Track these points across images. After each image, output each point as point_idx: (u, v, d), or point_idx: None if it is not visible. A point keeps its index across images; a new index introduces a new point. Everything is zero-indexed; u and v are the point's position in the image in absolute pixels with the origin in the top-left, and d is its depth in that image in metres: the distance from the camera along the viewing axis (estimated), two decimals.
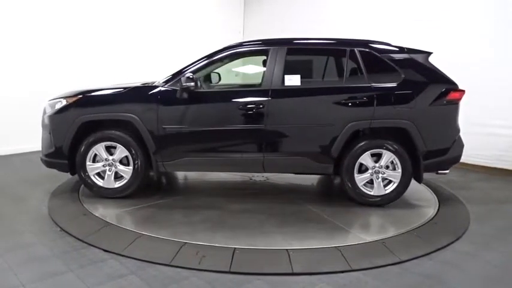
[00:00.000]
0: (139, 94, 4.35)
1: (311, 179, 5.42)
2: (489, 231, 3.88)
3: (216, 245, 3.31)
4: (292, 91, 4.25)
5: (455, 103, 4.26)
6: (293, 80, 4.25)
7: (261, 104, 4.18)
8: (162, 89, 4.28)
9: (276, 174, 5.35)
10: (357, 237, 3.54)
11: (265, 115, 4.18)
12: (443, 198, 4.69)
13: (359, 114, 4.18)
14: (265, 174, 5.37)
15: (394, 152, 4.20)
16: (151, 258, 3.09)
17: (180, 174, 5.60)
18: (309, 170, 4.42)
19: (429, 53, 4.37)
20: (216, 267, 3.00)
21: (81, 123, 4.26)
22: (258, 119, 4.20)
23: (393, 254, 3.24)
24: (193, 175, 5.53)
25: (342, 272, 3.00)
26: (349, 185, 4.29)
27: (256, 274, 2.93)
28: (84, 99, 4.36)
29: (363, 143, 4.24)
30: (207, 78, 4.90)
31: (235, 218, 3.93)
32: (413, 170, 4.26)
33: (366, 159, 4.25)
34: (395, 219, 4.00)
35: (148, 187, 4.88)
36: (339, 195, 4.60)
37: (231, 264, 3.03)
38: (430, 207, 4.37)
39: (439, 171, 4.42)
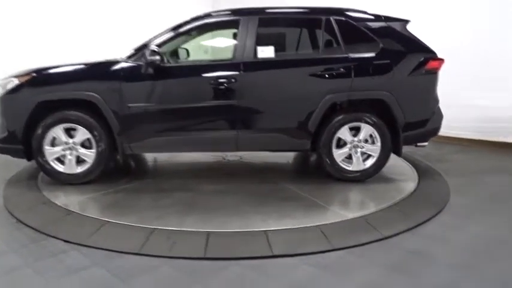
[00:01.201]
0: (100, 71, 4.01)
1: (287, 157, 5.22)
2: (470, 202, 3.79)
3: (188, 229, 3.07)
4: (266, 64, 3.99)
5: (434, 72, 4.11)
6: (266, 52, 4.00)
7: (233, 78, 3.91)
8: (126, 64, 3.95)
9: (250, 153, 5.12)
10: (338, 214, 3.37)
11: (237, 90, 3.92)
12: (422, 172, 4.59)
13: (336, 87, 3.98)
14: (239, 154, 5.14)
15: (373, 125, 4.04)
16: (118, 248, 2.83)
17: (150, 156, 5.30)
18: (285, 147, 4.21)
19: (407, 21, 4.18)
20: (189, 253, 2.77)
21: (35, 103, 3.88)
22: (229, 94, 3.93)
23: (376, 230, 3.09)
24: (163, 157, 5.24)
25: (324, 251, 2.83)
26: (328, 160, 4.11)
27: (233, 259, 2.72)
28: (39, 78, 3.98)
29: (340, 117, 4.05)
30: (175, 55, 4.59)
31: (208, 200, 3.69)
32: (392, 143, 4.11)
33: (344, 133, 4.06)
34: (376, 195, 3.85)
35: (114, 171, 4.57)
36: (316, 172, 4.42)
37: (205, 249, 2.80)
38: (409, 181, 4.25)
39: (418, 144, 4.29)
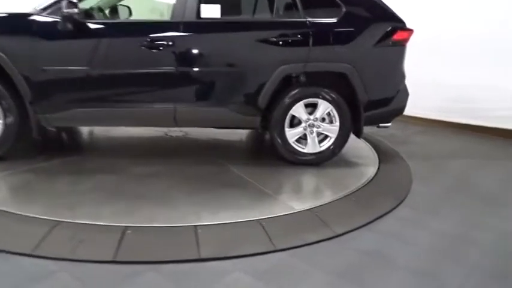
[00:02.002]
0: (7, 25, 3.29)
1: (239, 134, 4.70)
2: (433, 191, 3.42)
3: (102, 223, 2.52)
4: (210, 26, 3.40)
5: (402, 44, 3.63)
6: (211, 11, 3.39)
7: (170, 40, 3.30)
8: (39, 18, 3.25)
9: (198, 129, 4.55)
10: (285, 205, 2.90)
11: (174, 55, 3.32)
12: (384, 155, 4.18)
13: (291, 56, 3.44)
14: (184, 129, 4.56)
15: (332, 102, 3.55)
16: (8, 247, 2.25)
17: (85, 129, 4.64)
18: (230, 124, 3.68)
19: None
20: (96, 255, 2.23)
21: None
22: (166, 60, 3.33)
23: (327, 226, 2.65)
24: (100, 130, 4.59)
25: (264, 253, 2.36)
26: (279, 141, 3.61)
27: (150, 263, 2.21)
28: None
29: (295, 91, 3.53)
30: (114, 12, 3.93)
31: (136, 185, 3.13)
32: (352, 123, 3.65)
33: (298, 110, 3.56)
34: (331, 181, 3.42)
35: (33, 146, 3.91)
36: (270, 153, 3.93)
37: (117, 250, 2.27)
38: (369, 165, 3.83)
39: (381, 125, 3.85)
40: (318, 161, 3.68)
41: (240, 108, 3.50)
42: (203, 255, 2.27)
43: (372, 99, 3.62)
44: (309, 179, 3.50)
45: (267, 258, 2.32)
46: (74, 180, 3.17)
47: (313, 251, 2.43)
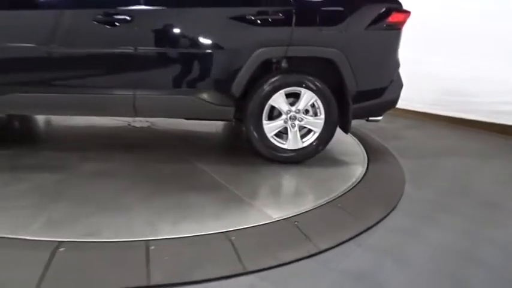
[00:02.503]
0: None
1: (214, 125, 4.22)
2: (428, 195, 3.02)
3: (29, 237, 2.03)
4: None
5: (397, 28, 3.18)
6: None
7: (128, 15, 2.78)
8: None
9: (165, 119, 4.05)
10: (260, 213, 2.45)
11: (133, 33, 2.81)
12: (373, 152, 3.76)
13: (271, 37, 2.97)
14: (151, 119, 4.06)
15: (316, 92, 3.10)
16: None
17: (40, 117, 4.10)
18: (199, 114, 3.20)
19: None
20: (13, 284, 1.74)
21: None
22: (123, 38, 2.83)
23: (308, 240, 2.22)
24: (58, 118, 4.06)
25: (230, 277, 1.91)
26: (256, 135, 3.15)
27: None
28: None
29: (275, 79, 3.06)
30: None
31: (82, 187, 2.64)
32: (339, 117, 3.21)
33: (278, 100, 3.10)
34: (314, 183, 2.98)
35: None
36: (247, 149, 3.47)
37: (43, 273, 1.79)
38: (357, 164, 3.40)
39: (371, 118, 3.42)
40: (300, 158, 3.24)
41: (210, 97, 3.02)
42: (153, 282, 1.81)
43: (361, 90, 3.18)
44: (289, 180, 3.06)
45: (233, 284, 1.88)
46: (8, 180, 2.66)
47: (290, 272, 2.00)
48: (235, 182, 2.85)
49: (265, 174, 3.08)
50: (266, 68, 3.17)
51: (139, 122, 4.02)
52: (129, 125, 3.96)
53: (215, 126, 4.24)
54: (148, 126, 3.97)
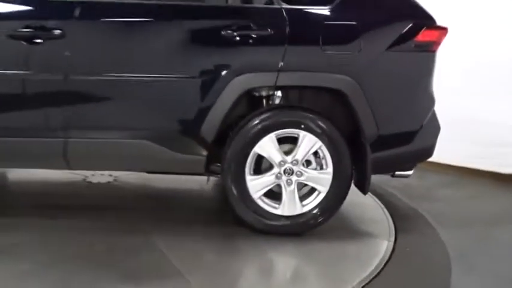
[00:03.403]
0: None
1: (201, 180, 3.31)
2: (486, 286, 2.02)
3: None
4: (121, 7, 2.14)
5: (430, 50, 2.35)
6: None
7: (57, 28, 2.03)
8: None
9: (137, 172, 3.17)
10: None
11: (65, 53, 2.04)
12: (402, 219, 2.79)
13: (255, 60, 2.17)
14: (115, 173, 3.20)
15: (321, 136, 2.23)
16: None
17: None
18: (157, 166, 2.34)
19: None
20: None
21: None
22: (50, 61, 2.05)
23: None
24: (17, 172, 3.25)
25: None
26: (236, 195, 2.25)
27: None
28: None
29: (262, 117, 2.22)
30: None
31: None
32: (354, 170, 2.31)
33: (267, 147, 2.23)
34: (319, 269, 2.07)
35: None
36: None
37: None
38: (381, 236, 2.44)
39: (398, 173, 2.51)
40: (298, 229, 2.31)
41: (170, 142, 2.18)
42: None
43: (384, 134, 2.31)
44: (280, 264, 2.13)
45: None
46: None
47: None
48: (196, 266, 1.93)
49: (245, 253, 2.14)
50: (253, 105, 2.35)
51: (101, 176, 3.17)
52: (84, 180, 3.11)
53: (200, 182, 3.34)
54: (109, 182, 3.10)
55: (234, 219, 2.33)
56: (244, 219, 2.29)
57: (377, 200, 3.11)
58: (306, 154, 2.25)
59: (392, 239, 2.41)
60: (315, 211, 2.29)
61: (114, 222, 2.39)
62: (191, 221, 2.51)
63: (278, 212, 2.28)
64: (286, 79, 2.18)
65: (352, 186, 2.38)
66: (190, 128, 2.16)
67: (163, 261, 1.96)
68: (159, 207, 2.74)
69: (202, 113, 2.15)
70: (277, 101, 2.40)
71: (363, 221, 2.67)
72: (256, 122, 2.20)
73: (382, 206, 2.99)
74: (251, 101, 2.39)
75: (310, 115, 2.23)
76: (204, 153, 2.20)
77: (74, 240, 2.12)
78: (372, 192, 3.10)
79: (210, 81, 2.13)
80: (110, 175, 3.18)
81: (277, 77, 2.15)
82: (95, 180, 3.10)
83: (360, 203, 2.87)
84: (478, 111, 3.98)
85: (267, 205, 2.28)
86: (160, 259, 1.98)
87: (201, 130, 2.16)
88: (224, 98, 2.13)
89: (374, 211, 2.87)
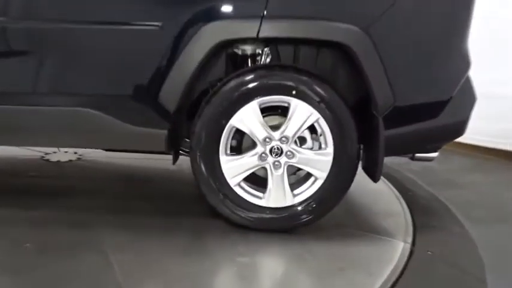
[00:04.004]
0: None
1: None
2: None
3: None
4: None
5: None
6: None
7: None
8: None
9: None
10: None
11: None
12: (422, 211, 2.27)
13: (229, 2, 1.62)
14: (81, 150, 2.74)
15: (319, 106, 1.69)
16: None
17: None
18: (103, 141, 1.83)
19: None
20: None
21: None
22: None
23: None
24: None
25: None
26: (207, 179, 1.75)
27: None
28: None
29: (242, 79, 1.69)
30: None
31: None
32: (361, 151, 1.79)
33: (248, 120, 1.71)
34: (314, 282, 1.54)
35: None
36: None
37: None
38: (396, 234, 1.91)
39: (418, 155, 1.96)
40: (286, 225, 1.81)
41: (120, 110, 1.68)
42: None
43: (402, 104, 1.76)
44: (262, 274, 1.62)
45: None
46: None
47: None
48: (145, 275, 1.43)
49: (215, 258, 1.64)
50: (236, 67, 1.83)
51: (62, 153, 2.70)
52: (42, 158, 2.64)
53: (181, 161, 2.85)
54: (71, 161, 2.63)
55: (210, 208, 1.83)
56: (218, 211, 1.79)
57: (391, 186, 2.58)
58: (299, 129, 1.72)
59: (410, 239, 1.88)
60: (309, 203, 1.78)
61: (59, 211, 1.92)
62: (157, 211, 2.02)
63: (262, 202, 1.78)
64: (273, 29, 1.63)
65: (360, 170, 1.86)
66: (145, 92, 1.66)
67: (101, 267, 1.48)
68: (121, 193, 2.26)
69: (161, 73, 1.64)
70: (265, 58, 1.89)
71: (372, 215, 2.15)
72: (232, 85, 1.68)
73: (398, 194, 2.46)
74: (234, 62, 1.88)
75: (305, 78, 1.70)
76: (166, 126, 1.69)
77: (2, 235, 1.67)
78: (384, 177, 2.58)
79: (169, 31, 1.61)
80: (75, 152, 2.72)
81: (259, 26, 1.61)
82: (54, 158, 2.63)
83: (369, 191, 2.36)
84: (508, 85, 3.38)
85: (247, 194, 1.79)
86: (99, 264, 1.50)
87: (160, 96, 1.65)
88: (189, 53, 1.61)
89: (387, 202, 2.33)
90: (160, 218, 1.93)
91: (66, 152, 2.71)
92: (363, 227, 1.97)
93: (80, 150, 2.71)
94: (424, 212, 2.27)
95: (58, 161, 2.60)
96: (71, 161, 2.62)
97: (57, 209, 1.92)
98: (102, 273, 1.45)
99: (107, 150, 2.11)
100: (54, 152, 2.69)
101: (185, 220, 1.90)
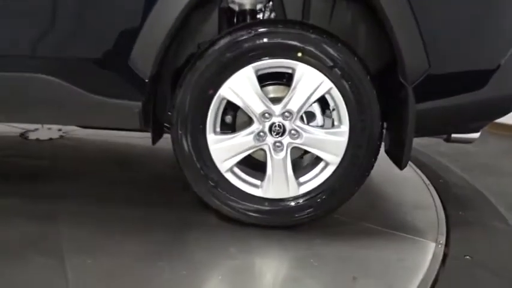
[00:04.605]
0: None
1: None
2: None
3: None
4: None
5: None
6: None
7: None
8: None
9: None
10: None
11: None
12: (457, 203, 1.90)
13: None
14: (66, 128, 2.45)
15: (331, 72, 1.33)
16: None
17: None
18: (64, 116, 1.51)
19: None
20: None
21: None
22: None
23: None
24: None
25: None
26: (194, 162, 1.42)
27: None
28: None
29: (233, 38, 1.33)
30: None
31: None
32: (384, 130, 1.44)
33: (241, 89, 1.36)
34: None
35: None
36: None
37: None
38: (425, 236, 1.55)
39: (455, 136, 1.59)
40: (287, 220, 1.47)
41: (83, 78, 1.35)
42: None
43: (438, 72, 1.38)
44: (258, 281, 1.29)
45: None
46: None
47: None
48: (102, 283, 1.13)
49: (200, 262, 1.32)
50: (230, 24, 1.49)
51: (47, 130, 2.42)
52: (21, 135, 2.36)
53: None
54: (51, 139, 2.34)
55: (197, 199, 1.51)
56: (206, 202, 1.47)
57: (419, 172, 2.21)
58: (306, 102, 1.37)
59: (443, 239, 1.52)
60: (318, 193, 1.44)
61: (21, 200, 1.63)
62: (135, 200, 1.70)
63: (259, 192, 1.45)
64: None
65: (381, 153, 1.50)
66: (112, 54, 1.32)
67: (52, 275, 1.19)
68: (98, 178, 1.95)
69: (130, 30, 1.30)
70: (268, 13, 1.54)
71: (395, 208, 1.79)
72: (222, 45, 1.33)
73: (427, 182, 2.09)
74: (229, 21, 1.54)
75: (315, 36, 1.33)
76: (139, 97, 1.36)
77: None
78: (414, 163, 2.21)
79: None
80: (59, 129, 2.43)
81: None
82: (33, 136, 2.35)
83: (391, 177, 2.00)
84: None
85: (241, 182, 1.45)
86: (50, 272, 1.21)
87: (131, 59, 1.31)
88: (163, 5, 1.27)
89: (413, 191, 1.97)
90: (137, 210, 1.62)
91: (49, 128, 2.43)
92: (383, 222, 1.61)
93: (65, 127, 2.42)
94: (458, 204, 1.90)
95: (37, 139, 2.32)
96: (51, 139, 2.33)
97: (20, 196, 1.64)
98: (51, 284, 1.16)
99: (82, 127, 1.80)
100: (36, 129, 2.42)
101: (167, 213, 1.59)
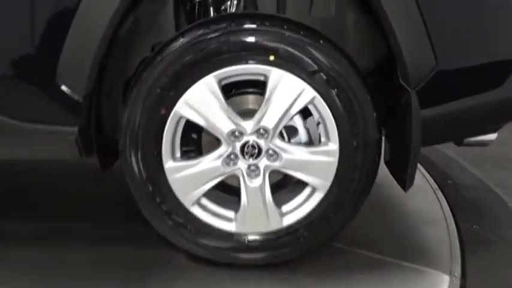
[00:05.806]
0: None
1: None
2: None
3: None
4: None
5: None
6: None
7: None
8: None
9: None
10: None
11: None
12: (469, 212, 1.65)
13: None
14: None
15: (314, 77, 1.05)
16: None
17: None
18: None
19: None
20: None
21: None
22: None
23: None
24: None
25: None
26: (150, 196, 1.15)
27: None
28: None
29: (190, 39, 1.05)
30: None
31: None
32: (383, 140, 1.18)
33: (202, 104, 1.08)
34: None
35: None
36: None
37: None
38: (436, 264, 1.29)
39: (472, 139, 1.31)
40: (266, 258, 1.21)
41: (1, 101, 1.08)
42: None
43: (447, 67, 1.09)
44: None
45: None
46: None
47: None
48: None
49: None
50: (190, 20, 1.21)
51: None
52: None
53: None
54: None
55: (156, 232, 1.25)
56: (172, 242, 1.21)
57: (425, 173, 1.94)
58: (284, 116, 1.09)
59: (458, 269, 1.27)
60: (304, 226, 1.18)
61: None
62: (96, 218, 1.44)
63: (232, 227, 1.18)
64: None
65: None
66: (33, 70, 1.04)
67: None
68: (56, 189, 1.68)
69: (53, 39, 1.01)
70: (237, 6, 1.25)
71: (401, 227, 1.53)
72: (174, 50, 1.05)
73: (435, 187, 1.82)
74: (190, 16, 1.25)
75: (291, 34, 1.05)
76: (74, 121, 1.08)
77: None
78: (424, 162, 1.95)
79: None
80: None
81: None
82: None
83: (393, 181, 1.72)
84: None
85: (212, 216, 1.19)
86: None
87: (57, 75, 1.03)
88: (93, 1, 0.98)
89: (420, 199, 1.70)
90: (97, 231, 1.36)
91: None
92: (382, 248, 1.35)
93: None
94: (472, 213, 1.64)
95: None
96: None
97: None
98: None
99: None
100: None
101: (133, 234, 1.33)
